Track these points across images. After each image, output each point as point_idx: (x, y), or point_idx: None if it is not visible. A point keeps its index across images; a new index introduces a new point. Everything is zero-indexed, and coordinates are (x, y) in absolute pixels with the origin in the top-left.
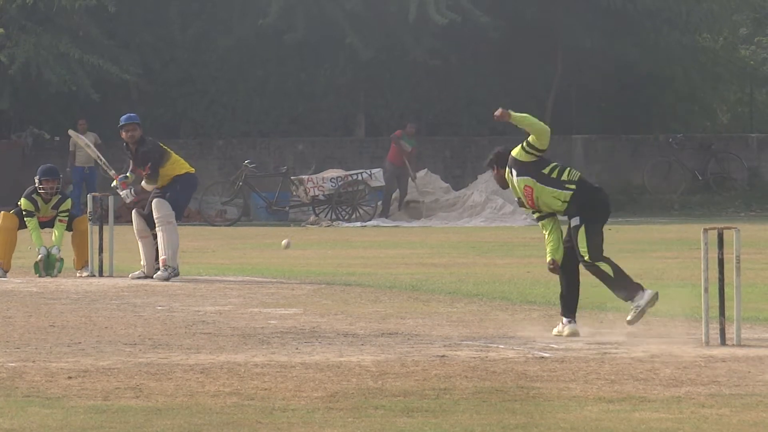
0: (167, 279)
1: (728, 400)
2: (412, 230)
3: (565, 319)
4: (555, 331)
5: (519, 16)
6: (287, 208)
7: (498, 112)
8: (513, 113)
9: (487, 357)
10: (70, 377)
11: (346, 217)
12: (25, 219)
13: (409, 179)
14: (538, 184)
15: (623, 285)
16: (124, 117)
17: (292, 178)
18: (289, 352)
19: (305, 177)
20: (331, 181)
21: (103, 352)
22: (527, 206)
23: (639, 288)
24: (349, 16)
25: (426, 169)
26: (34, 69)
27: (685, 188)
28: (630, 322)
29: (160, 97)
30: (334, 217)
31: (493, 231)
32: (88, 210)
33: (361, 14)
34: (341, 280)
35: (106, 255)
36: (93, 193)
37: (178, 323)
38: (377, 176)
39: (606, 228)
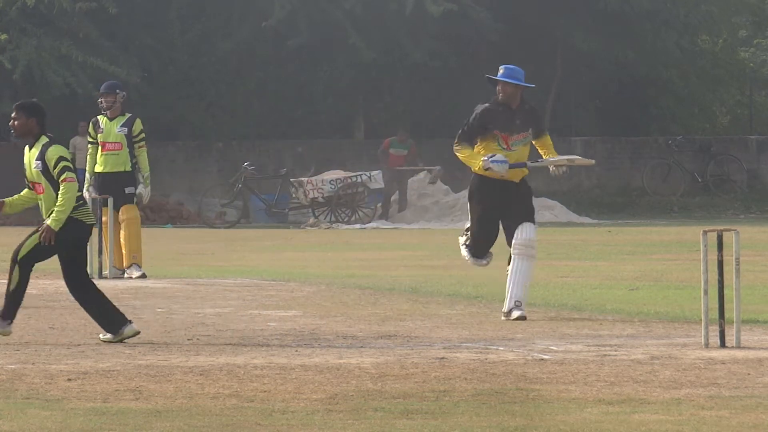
0: None
1: (728, 402)
2: (411, 232)
3: None
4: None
5: (518, 18)
6: (287, 210)
7: None
8: None
9: (486, 359)
10: (69, 379)
11: (345, 219)
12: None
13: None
14: None
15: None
16: None
17: (291, 180)
18: (288, 354)
19: (304, 179)
20: (330, 183)
21: (103, 354)
22: None
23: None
24: (349, 16)
25: (425, 171)
26: (36, 72)
27: (685, 190)
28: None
29: (159, 100)
30: (333, 219)
31: None
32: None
33: (361, 15)
34: (340, 282)
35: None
36: (93, 195)
37: (177, 325)
38: (377, 178)
39: (606, 229)
